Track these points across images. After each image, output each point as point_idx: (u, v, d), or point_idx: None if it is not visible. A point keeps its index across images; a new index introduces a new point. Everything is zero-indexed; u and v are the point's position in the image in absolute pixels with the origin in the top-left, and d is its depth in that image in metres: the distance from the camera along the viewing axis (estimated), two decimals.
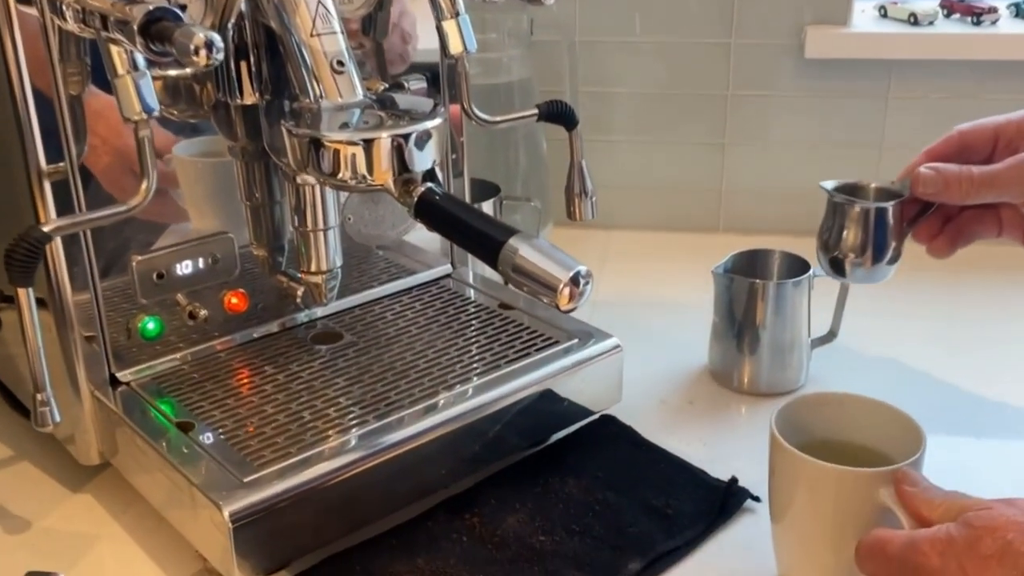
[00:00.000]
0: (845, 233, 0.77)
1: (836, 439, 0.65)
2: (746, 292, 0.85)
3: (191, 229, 0.74)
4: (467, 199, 0.88)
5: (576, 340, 0.78)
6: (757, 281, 0.85)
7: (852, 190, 0.79)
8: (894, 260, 0.77)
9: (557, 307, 0.58)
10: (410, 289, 0.86)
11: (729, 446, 0.80)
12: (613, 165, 1.19)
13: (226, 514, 0.60)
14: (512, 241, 0.59)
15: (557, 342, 0.78)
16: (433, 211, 0.63)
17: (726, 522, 0.72)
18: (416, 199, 0.63)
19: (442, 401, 0.72)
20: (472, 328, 0.80)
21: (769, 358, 0.86)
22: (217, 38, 0.55)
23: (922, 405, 0.65)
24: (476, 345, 0.78)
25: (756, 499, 0.72)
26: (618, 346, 0.78)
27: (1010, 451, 0.80)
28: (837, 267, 0.79)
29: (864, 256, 0.77)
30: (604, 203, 1.17)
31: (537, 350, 0.77)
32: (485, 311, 0.83)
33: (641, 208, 1.21)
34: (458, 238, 0.62)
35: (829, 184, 0.79)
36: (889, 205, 0.75)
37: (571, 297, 0.58)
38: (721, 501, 0.72)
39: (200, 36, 0.54)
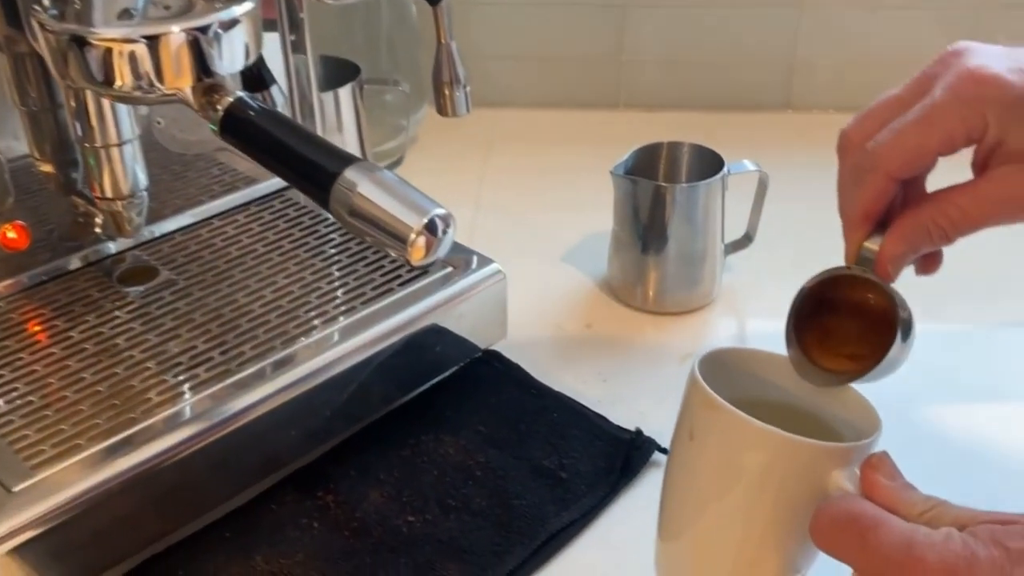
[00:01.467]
0: None
1: (763, 400, 0.52)
2: (651, 196, 0.72)
3: None
4: (312, 84, 0.72)
5: (450, 268, 0.65)
6: (663, 184, 0.72)
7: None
8: None
9: (408, 262, 0.44)
10: (246, 205, 0.71)
11: (632, 381, 0.69)
12: (496, 33, 1.03)
13: None
14: (348, 174, 0.45)
15: (426, 272, 0.64)
16: (244, 130, 0.48)
17: (631, 482, 0.61)
18: (222, 114, 0.48)
19: (283, 357, 0.58)
20: (323, 256, 0.66)
21: (677, 271, 0.74)
22: None
23: None
24: (327, 280, 0.64)
25: (664, 451, 0.62)
26: (500, 273, 0.65)
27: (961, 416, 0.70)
28: None
29: None
30: (488, 77, 1.02)
31: (402, 283, 0.63)
32: (338, 232, 0.68)
33: (531, 82, 1.06)
34: (278, 167, 0.47)
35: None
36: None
37: (426, 249, 0.44)
38: (624, 457, 0.61)
39: None
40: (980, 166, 0.45)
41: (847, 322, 0.48)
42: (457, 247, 0.67)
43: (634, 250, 0.74)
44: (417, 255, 0.44)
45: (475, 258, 0.66)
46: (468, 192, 0.91)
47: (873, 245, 0.46)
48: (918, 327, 0.46)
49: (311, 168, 0.46)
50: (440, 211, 0.44)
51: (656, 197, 0.72)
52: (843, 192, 0.47)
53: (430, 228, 0.44)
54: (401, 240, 0.43)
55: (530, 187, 0.92)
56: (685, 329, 0.74)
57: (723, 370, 0.49)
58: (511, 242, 0.83)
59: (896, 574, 0.37)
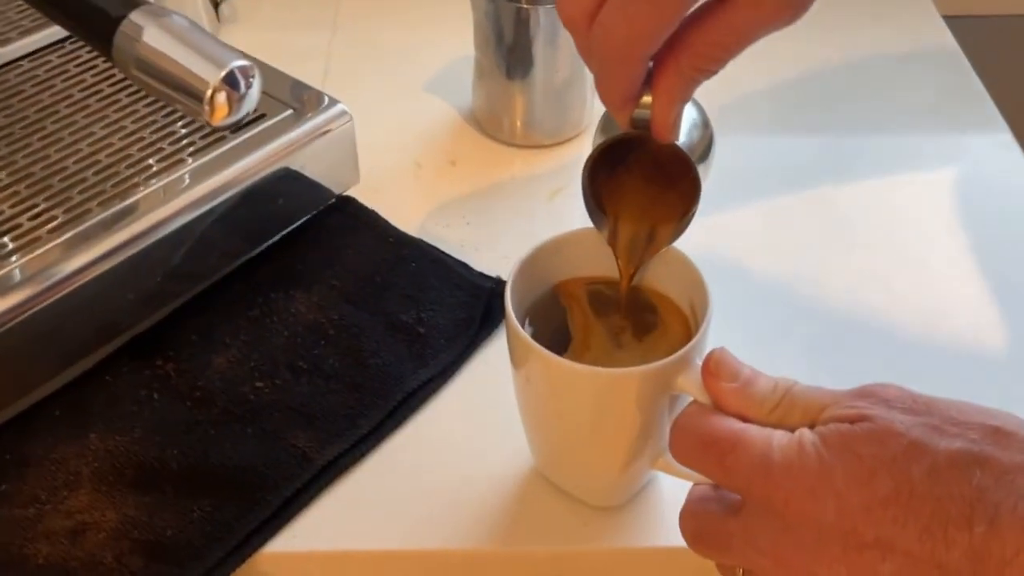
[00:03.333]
0: None
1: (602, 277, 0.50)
2: (513, 20, 0.66)
3: None
4: None
5: (291, 111, 0.59)
6: (525, 6, 0.66)
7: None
8: None
9: (208, 123, 0.39)
10: (61, 43, 0.63)
11: (498, 221, 0.65)
12: None
13: None
14: (133, 18, 0.39)
15: (264, 116, 0.59)
16: None
17: (491, 334, 0.58)
18: None
19: (113, 214, 0.52)
20: (148, 102, 0.59)
21: (545, 98, 0.69)
22: None
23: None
24: (154, 127, 0.57)
25: None
26: (347, 115, 0.60)
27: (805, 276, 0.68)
28: None
29: None
30: None
31: (237, 130, 0.58)
32: None
33: None
34: (51, 10, 0.41)
35: None
36: None
37: (228, 107, 0.39)
38: (484, 308, 0.58)
39: None
40: None
41: (649, 183, 0.46)
42: (300, 85, 0.62)
43: (498, 77, 0.69)
44: (219, 114, 0.39)
45: (321, 97, 0.60)
46: (324, 17, 0.83)
47: (648, 98, 0.42)
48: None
49: (89, 12, 0.39)
50: (241, 62, 0.38)
51: (519, 20, 0.66)
52: (590, 68, 0.42)
53: (230, 82, 0.38)
54: (197, 98, 0.38)
55: (391, 7, 0.85)
56: (555, 161, 0.70)
57: (549, 264, 0.47)
58: (369, 71, 0.77)
59: (759, 494, 0.36)
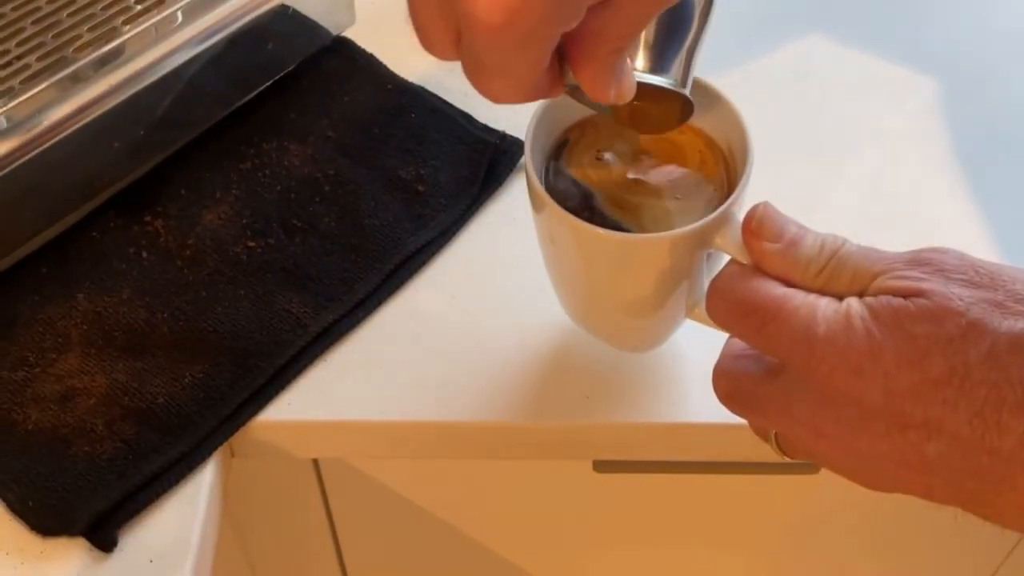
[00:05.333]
0: None
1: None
2: None
3: None
4: None
5: None
6: None
7: None
8: None
9: None
10: None
11: None
12: None
13: None
14: None
15: None
16: None
17: (495, 192, 0.55)
18: None
19: (94, 60, 0.49)
20: None
21: None
22: None
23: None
24: None
25: None
26: None
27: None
28: None
29: None
30: None
31: None
32: None
33: None
34: None
35: None
36: None
37: None
38: (488, 163, 0.56)
39: None
40: None
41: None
42: None
43: None
44: None
45: None
46: None
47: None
48: None
49: None
50: None
51: None
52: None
53: None
54: None
55: None
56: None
57: (570, 104, 0.43)
58: None
59: (800, 366, 0.34)
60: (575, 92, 0.35)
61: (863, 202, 0.55)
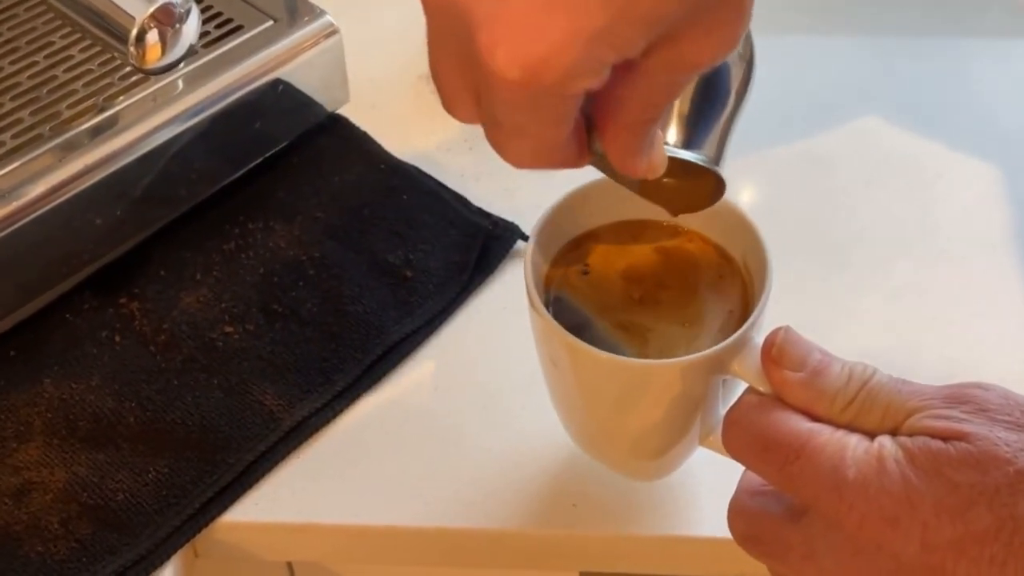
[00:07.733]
0: None
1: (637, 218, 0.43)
2: None
3: None
4: None
5: (271, 22, 0.53)
6: None
7: None
8: None
9: (139, 67, 0.33)
10: None
11: None
12: None
13: None
14: None
15: (242, 27, 0.53)
16: None
17: (486, 280, 0.53)
18: None
19: (77, 135, 0.48)
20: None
21: None
22: None
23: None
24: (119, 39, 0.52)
25: (527, 239, 0.53)
26: (333, 27, 0.53)
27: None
28: None
29: None
30: None
31: (213, 42, 0.52)
32: None
33: None
34: None
35: None
36: None
37: (161, 47, 0.33)
38: (480, 250, 0.53)
39: None
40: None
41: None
42: None
43: None
44: (151, 56, 0.33)
45: (305, 6, 0.54)
46: None
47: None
48: None
49: None
50: None
51: None
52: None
53: (164, 17, 0.33)
54: (120, 38, 0.32)
55: None
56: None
57: (576, 215, 0.41)
58: None
59: (827, 511, 0.31)
60: (602, 163, 0.33)
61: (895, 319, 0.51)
